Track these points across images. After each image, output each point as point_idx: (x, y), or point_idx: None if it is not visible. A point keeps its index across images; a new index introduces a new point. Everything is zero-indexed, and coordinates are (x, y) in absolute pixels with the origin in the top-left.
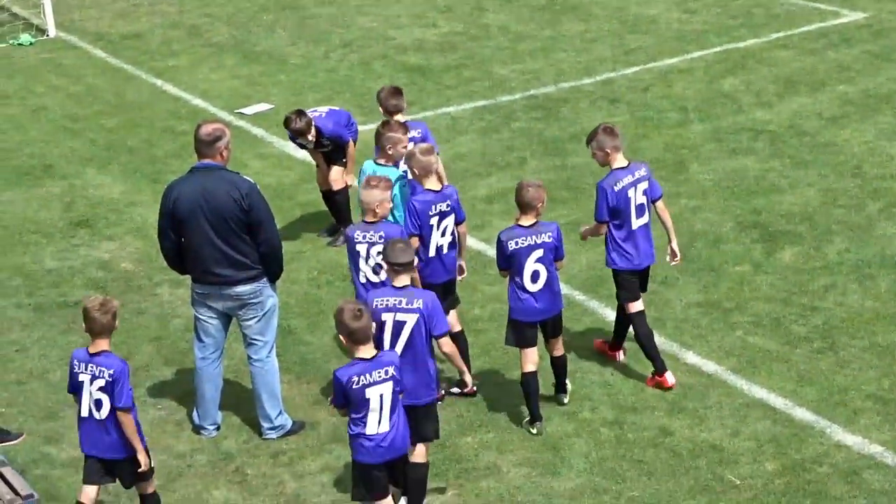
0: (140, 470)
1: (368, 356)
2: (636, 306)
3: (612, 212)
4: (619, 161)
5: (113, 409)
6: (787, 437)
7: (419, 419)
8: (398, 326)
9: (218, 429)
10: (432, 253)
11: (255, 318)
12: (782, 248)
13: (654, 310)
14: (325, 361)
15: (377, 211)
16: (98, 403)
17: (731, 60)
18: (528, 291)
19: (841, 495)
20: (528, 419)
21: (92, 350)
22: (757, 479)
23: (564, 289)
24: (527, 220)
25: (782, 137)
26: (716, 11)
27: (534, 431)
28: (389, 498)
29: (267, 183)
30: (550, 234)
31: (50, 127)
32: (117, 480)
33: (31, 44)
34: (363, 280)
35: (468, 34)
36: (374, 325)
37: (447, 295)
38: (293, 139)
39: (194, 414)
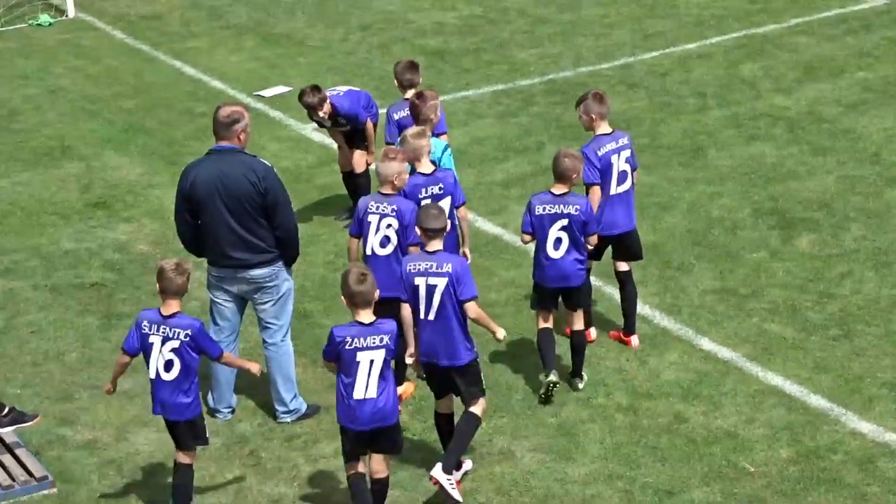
0: (254, 373)
1: (366, 321)
2: (621, 266)
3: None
4: (604, 128)
5: (183, 368)
6: (801, 425)
7: (464, 379)
8: (430, 290)
9: (233, 412)
10: None
11: (270, 301)
12: (799, 234)
13: (670, 296)
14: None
15: (395, 183)
16: (168, 365)
17: (751, 46)
18: (549, 258)
19: (855, 483)
20: (543, 372)
21: (165, 312)
22: (771, 467)
23: None
24: (558, 189)
25: (801, 124)
26: None
27: (546, 379)
28: (361, 464)
29: (284, 166)
30: (578, 207)
31: (68, 108)
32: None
33: (50, 24)
34: (369, 252)
35: (487, 17)
36: (376, 291)
37: None
38: (311, 116)
39: (209, 397)
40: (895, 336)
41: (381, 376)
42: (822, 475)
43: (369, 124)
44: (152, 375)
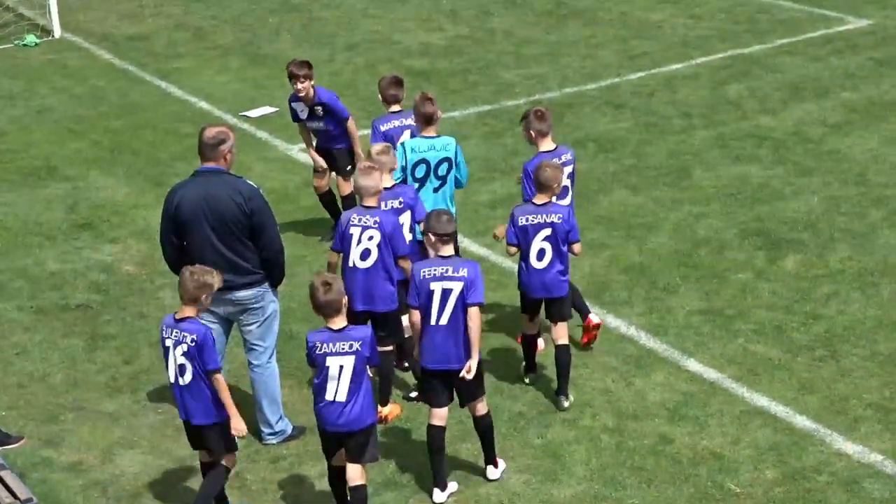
0: (234, 434)
1: (336, 327)
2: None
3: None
4: (546, 144)
5: (196, 375)
6: (787, 446)
7: (475, 380)
8: (445, 294)
9: None
10: None
11: (256, 323)
12: (785, 255)
13: (656, 317)
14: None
15: (377, 196)
16: (181, 369)
17: (736, 66)
18: (533, 268)
19: None
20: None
21: (178, 316)
22: (757, 488)
23: None
24: (540, 199)
25: (786, 144)
26: (721, 17)
27: (527, 381)
28: (337, 460)
29: (270, 187)
30: (561, 215)
31: (54, 128)
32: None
33: (36, 44)
34: (350, 264)
35: (473, 38)
36: (344, 297)
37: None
38: (291, 100)
39: None
40: (881, 357)
41: (353, 382)
42: (808, 496)
43: (352, 122)
44: (171, 380)
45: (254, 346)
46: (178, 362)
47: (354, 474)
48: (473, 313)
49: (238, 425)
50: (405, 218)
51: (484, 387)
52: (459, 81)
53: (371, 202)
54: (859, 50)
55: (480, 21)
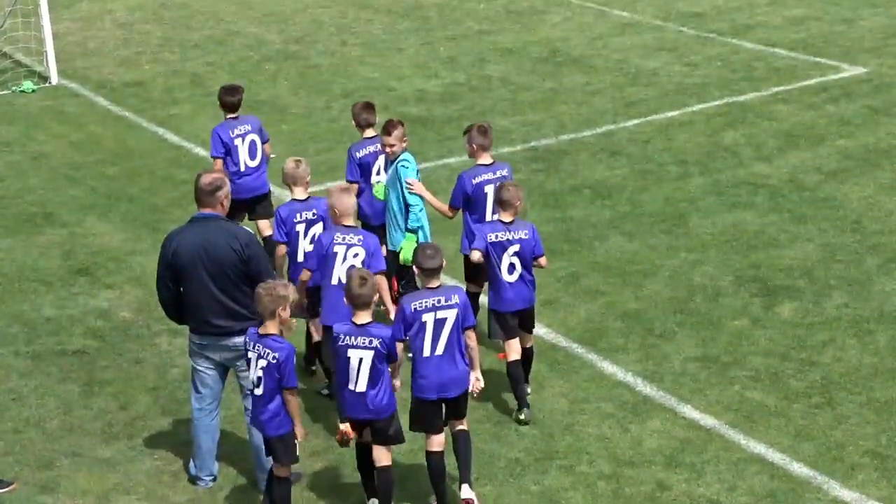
0: (296, 441)
1: (360, 322)
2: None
3: (468, 201)
4: (484, 158)
5: (270, 388)
6: (784, 493)
7: (466, 402)
8: (439, 324)
9: (214, 480)
10: (300, 258)
11: None
12: (781, 302)
13: (652, 364)
14: (323, 412)
15: (355, 216)
16: (258, 381)
17: (732, 114)
18: (506, 283)
19: None
20: (516, 409)
21: (261, 331)
22: None
23: (562, 340)
24: (507, 217)
25: (782, 191)
26: (717, 65)
27: (521, 417)
28: (374, 449)
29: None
30: (527, 232)
31: (51, 174)
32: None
33: (33, 91)
34: (335, 282)
35: (470, 85)
36: (376, 294)
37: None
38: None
39: (191, 465)
40: (877, 404)
41: (373, 373)
42: None
43: (219, 164)
44: (248, 390)
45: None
46: (257, 374)
47: (381, 456)
48: (472, 336)
49: (300, 431)
50: (318, 228)
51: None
52: (455, 128)
53: (350, 221)
54: (855, 98)
55: (477, 68)
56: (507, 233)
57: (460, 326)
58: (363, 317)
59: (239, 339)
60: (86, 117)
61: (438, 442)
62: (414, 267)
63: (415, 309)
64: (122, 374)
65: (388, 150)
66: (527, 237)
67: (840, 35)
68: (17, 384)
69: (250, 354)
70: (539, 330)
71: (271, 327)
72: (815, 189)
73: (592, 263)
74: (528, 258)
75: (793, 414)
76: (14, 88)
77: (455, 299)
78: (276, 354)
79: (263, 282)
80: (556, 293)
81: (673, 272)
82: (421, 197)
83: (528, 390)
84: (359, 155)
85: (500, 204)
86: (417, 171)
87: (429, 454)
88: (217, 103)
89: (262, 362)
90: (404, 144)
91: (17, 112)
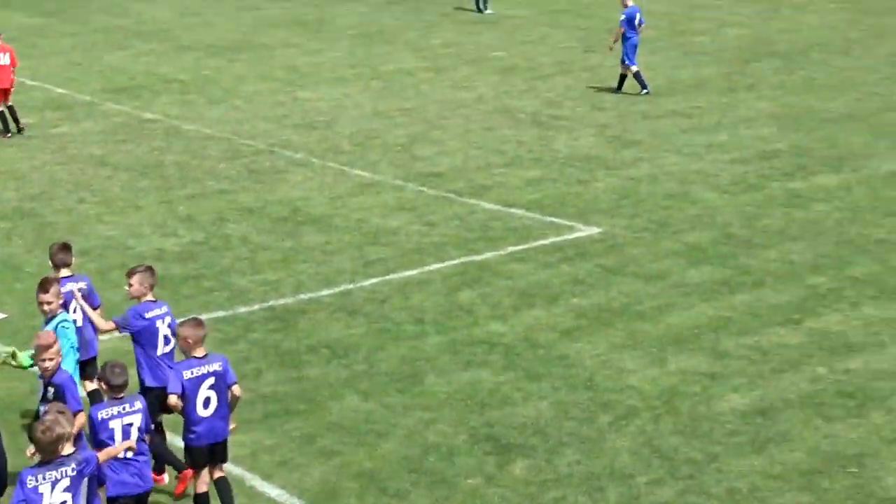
0: None
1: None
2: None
3: (141, 333)
4: (150, 297)
5: None
6: None
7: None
8: (126, 429)
9: None
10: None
11: None
12: (514, 460)
13: None
14: None
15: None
16: None
17: (469, 273)
18: (202, 417)
19: None
20: None
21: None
22: None
23: (296, 502)
24: (200, 352)
25: (517, 350)
26: (455, 224)
27: None
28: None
29: None
30: (221, 363)
31: None
32: None
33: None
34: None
35: (209, 244)
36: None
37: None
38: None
39: None
40: None
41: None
42: None
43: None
44: None
45: None
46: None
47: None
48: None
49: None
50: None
51: None
52: (193, 287)
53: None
54: (588, 257)
55: (216, 227)
56: (202, 367)
57: (143, 428)
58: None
59: None
60: None
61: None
62: (102, 383)
63: (101, 418)
64: None
65: (45, 307)
66: (220, 368)
67: (575, 196)
68: None
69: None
70: (273, 491)
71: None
72: (550, 347)
73: (328, 423)
74: (223, 389)
75: None
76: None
77: (137, 405)
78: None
79: None
80: (291, 454)
81: (408, 431)
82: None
83: None
84: (64, 289)
85: (192, 340)
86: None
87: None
88: None
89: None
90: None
91: None
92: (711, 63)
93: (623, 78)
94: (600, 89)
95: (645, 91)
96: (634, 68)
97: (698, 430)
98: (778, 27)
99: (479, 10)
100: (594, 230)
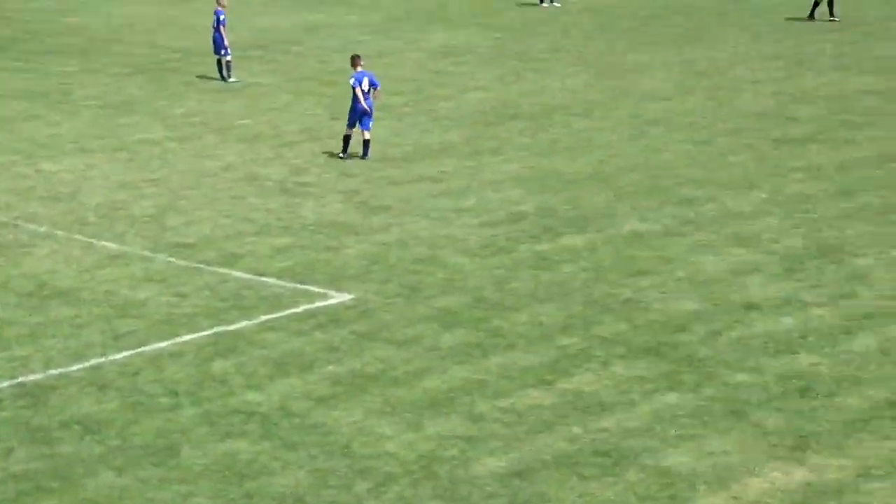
0: None
1: None
2: None
3: None
4: None
5: None
6: None
7: None
8: None
9: None
10: None
11: None
12: None
13: None
14: None
15: None
16: None
17: (222, 343)
18: None
19: None
20: None
21: None
22: None
23: None
24: None
25: (273, 419)
26: (206, 294)
27: None
28: None
29: None
30: None
31: None
32: None
33: None
34: None
35: None
36: None
37: None
38: None
39: None
40: None
41: None
42: None
43: None
44: None
45: None
46: None
47: None
48: None
49: None
50: None
51: None
52: None
53: None
54: (341, 324)
55: None
56: None
57: None
58: None
59: None
60: None
61: None
62: None
63: None
64: None
65: None
66: None
67: (325, 263)
68: None
69: None
70: None
71: None
72: (306, 416)
73: (82, 500)
74: None
75: None
76: None
77: None
78: None
79: None
80: None
81: None
82: None
83: None
84: None
85: None
86: None
87: None
88: None
89: None
90: None
91: None
92: (457, 127)
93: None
94: (353, 156)
95: (343, 155)
96: (347, 131)
97: (457, 495)
98: (520, 90)
99: (224, 79)
100: (346, 297)
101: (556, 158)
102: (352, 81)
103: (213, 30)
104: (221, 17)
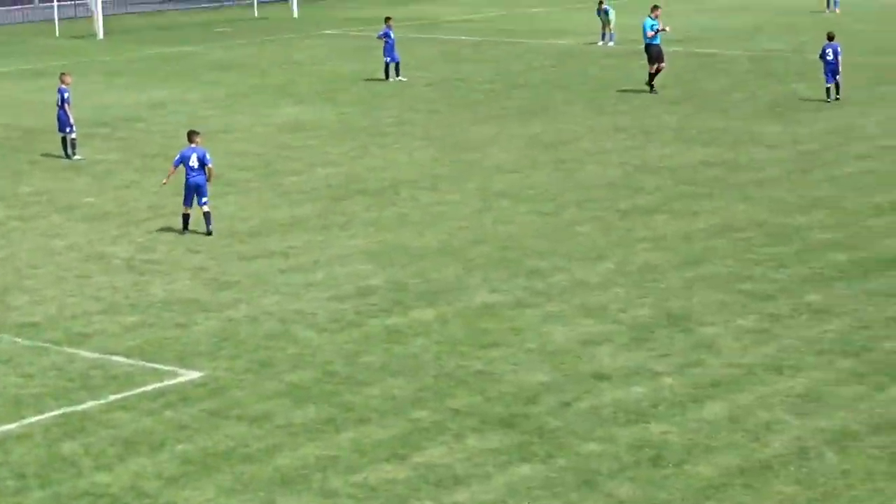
0: None
1: None
2: None
3: None
4: None
5: None
6: None
7: None
8: None
9: None
10: None
11: None
12: None
13: None
14: None
15: None
16: None
17: (70, 424)
18: None
19: None
20: None
21: None
22: None
23: None
24: None
25: (123, 500)
26: (53, 375)
27: None
28: None
29: None
30: None
31: None
32: None
33: None
34: None
35: None
36: None
37: None
38: None
39: None
40: None
41: None
42: None
43: None
44: None
45: None
46: None
47: None
48: None
49: None
50: None
51: None
52: None
53: None
54: (191, 402)
55: None
56: None
57: None
58: None
59: None
60: None
61: None
62: None
63: None
64: None
65: None
66: None
67: (174, 340)
68: None
69: None
70: None
71: None
72: (157, 496)
73: None
74: None
75: None
76: None
77: None
78: None
79: None
80: None
81: None
82: None
83: None
84: None
85: None
86: None
87: None
88: None
89: None
90: None
91: None
92: (306, 202)
93: (187, 218)
94: (194, 232)
95: (184, 233)
96: (185, 210)
97: None
98: (367, 165)
99: (68, 157)
100: (196, 374)
101: (403, 232)
102: (176, 159)
103: (57, 108)
104: (66, 95)
